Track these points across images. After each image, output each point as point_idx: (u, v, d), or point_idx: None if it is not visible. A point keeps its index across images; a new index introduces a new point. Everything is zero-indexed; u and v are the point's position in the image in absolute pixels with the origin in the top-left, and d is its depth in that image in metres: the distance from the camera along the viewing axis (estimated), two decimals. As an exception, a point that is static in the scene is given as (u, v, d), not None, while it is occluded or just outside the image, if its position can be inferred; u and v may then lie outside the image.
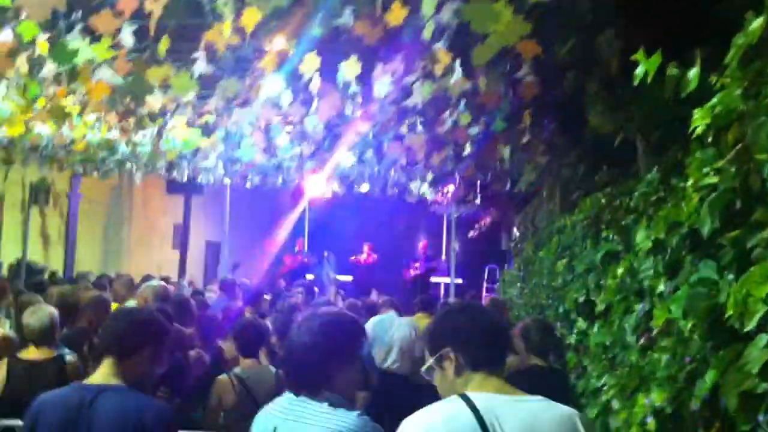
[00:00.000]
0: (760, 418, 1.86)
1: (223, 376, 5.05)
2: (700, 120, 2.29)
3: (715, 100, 2.20)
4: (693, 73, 2.06)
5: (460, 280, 17.70)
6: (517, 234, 14.23)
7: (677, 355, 2.51)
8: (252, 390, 4.87)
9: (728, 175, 2.14)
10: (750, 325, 1.90)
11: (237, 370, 5.07)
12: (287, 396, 2.72)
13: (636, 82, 2.31)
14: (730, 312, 2.00)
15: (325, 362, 2.67)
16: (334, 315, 2.94)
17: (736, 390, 1.91)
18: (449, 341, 2.39)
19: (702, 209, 2.24)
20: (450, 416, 2.20)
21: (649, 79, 2.20)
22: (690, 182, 2.39)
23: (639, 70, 2.25)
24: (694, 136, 2.35)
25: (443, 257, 19.10)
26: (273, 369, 5.10)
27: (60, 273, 13.65)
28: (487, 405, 2.19)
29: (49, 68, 5.61)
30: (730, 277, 2.15)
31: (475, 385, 2.30)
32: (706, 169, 2.26)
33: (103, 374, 2.96)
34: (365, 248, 19.03)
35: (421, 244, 19.16)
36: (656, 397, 2.53)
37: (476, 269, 17.97)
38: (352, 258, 19.18)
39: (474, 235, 16.56)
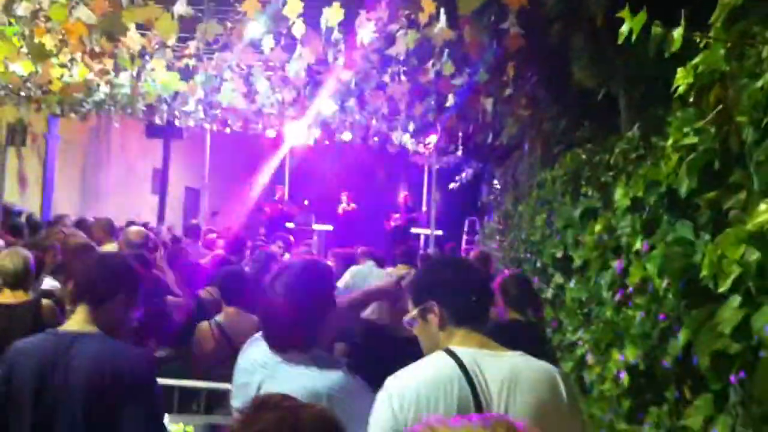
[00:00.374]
0: (732, 378, 1.87)
1: (203, 323, 5.07)
2: (682, 79, 2.27)
3: (698, 59, 2.18)
4: (677, 32, 2.03)
5: (440, 232, 17.74)
6: (498, 186, 14.25)
7: (651, 313, 2.53)
8: (231, 337, 4.88)
9: (708, 136, 2.13)
10: (724, 287, 1.91)
11: (218, 317, 5.09)
12: (268, 351, 2.64)
13: (620, 41, 2.27)
14: (704, 272, 2.00)
15: (304, 318, 2.60)
16: (306, 266, 2.80)
17: (708, 349, 1.93)
18: (435, 294, 2.38)
19: (681, 169, 2.23)
20: (437, 371, 2.20)
21: (633, 38, 2.17)
22: (670, 141, 2.38)
23: (624, 28, 2.21)
24: (676, 95, 2.33)
25: (423, 208, 19.11)
26: (255, 317, 5.10)
27: (37, 215, 13.53)
28: (472, 360, 2.19)
29: (25, 5, 5.49)
30: (706, 237, 2.16)
31: (459, 340, 2.30)
32: (686, 129, 2.24)
33: (77, 321, 2.92)
34: (343, 197, 18.97)
35: (402, 195, 19.15)
36: (630, 354, 2.55)
37: (456, 221, 18.00)
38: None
39: (455, 187, 16.54)
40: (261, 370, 2.62)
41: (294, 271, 2.70)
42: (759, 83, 1.82)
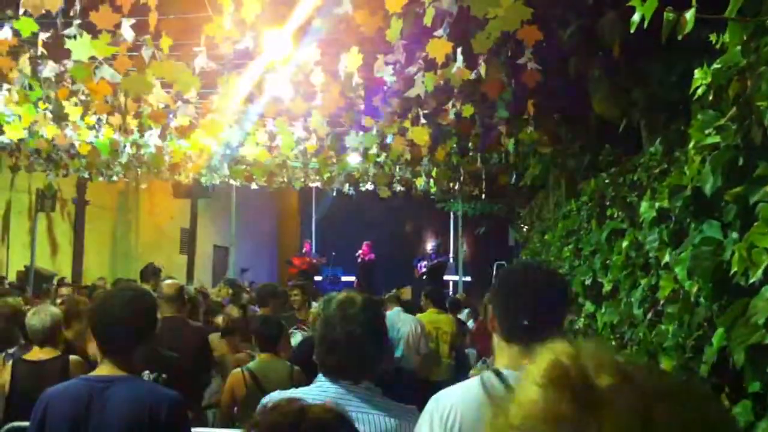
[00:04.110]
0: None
1: (236, 370, 5.09)
2: (700, 80, 2.26)
3: (716, 64, 2.17)
4: (689, 14, 2.02)
5: (468, 278, 17.66)
6: (525, 228, 14.18)
7: (684, 323, 2.48)
8: (262, 383, 4.89)
9: (729, 132, 2.10)
10: (755, 276, 1.86)
11: (251, 364, 5.12)
12: (324, 381, 2.61)
13: (632, 30, 2.25)
14: (735, 268, 1.96)
15: (375, 349, 2.62)
16: (368, 298, 2.80)
17: (743, 345, 1.88)
18: (493, 304, 2.30)
19: (704, 169, 2.20)
20: (479, 393, 2.12)
21: (645, 25, 2.16)
22: (691, 144, 2.35)
23: (635, 17, 2.20)
24: (695, 97, 2.32)
25: (451, 255, 19.07)
26: (288, 363, 5.13)
27: (68, 279, 13.67)
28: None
29: (51, 67, 5.62)
30: (734, 235, 2.11)
31: (507, 361, 2.22)
32: (708, 131, 2.22)
33: (108, 368, 2.94)
34: (364, 247, 19.02)
35: (429, 243, 19.17)
36: (665, 366, 2.49)
37: (485, 266, 17.92)
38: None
39: (481, 231, 16.51)
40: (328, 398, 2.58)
41: (360, 303, 2.69)
42: (778, 66, 1.81)
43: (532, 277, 2.30)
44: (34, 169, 11.53)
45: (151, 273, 8.97)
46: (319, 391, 2.59)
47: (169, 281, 6.46)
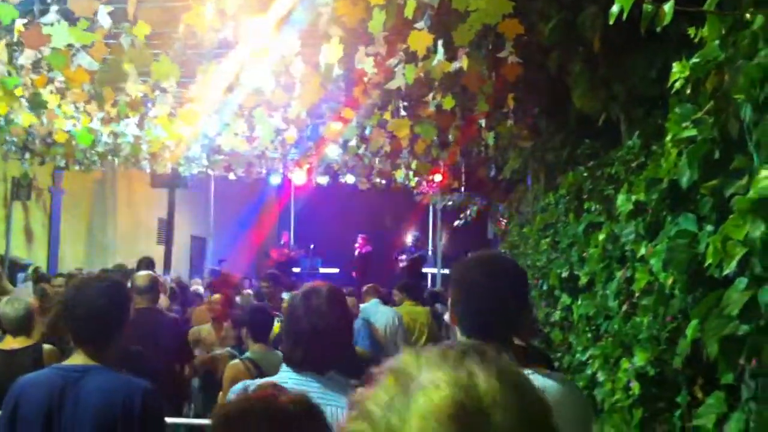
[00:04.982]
0: (743, 367, 1.84)
1: (236, 361, 5.08)
2: (678, 73, 2.27)
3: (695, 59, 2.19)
4: (668, 6, 2.03)
5: (446, 270, 17.66)
6: (504, 220, 14.24)
7: (659, 315, 2.50)
8: (265, 372, 4.89)
9: (706, 125, 2.12)
10: (729, 268, 1.88)
11: (249, 354, 5.12)
12: (290, 373, 2.59)
13: (611, 21, 2.25)
14: (709, 260, 1.98)
15: (346, 339, 2.64)
16: (332, 289, 2.76)
17: (716, 336, 1.89)
18: (452, 299, 2.28)
19: (681, 161, 2.22)
20: None
21: (624, 17, 2.16)
22: (668, 137, 2.37)
23: (614, 8, 2.20)
24: (673, 91, 2.34)
25: (430, 248, 19.09)
26: (279, 353, 5.14)
27: (43, 269, 13.54)
28: None
29: (27, 54, 5.55)
30: (709, 228, 2.14)
31: None
32: (685, 124, 2.24)
33: (81, 358, 2.91)
34: (359, 240, 18.93)
35: (409, 236, 19.14)
36: (639, 359, 2.51)
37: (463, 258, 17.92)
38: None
39: (459, 224, 16.53)
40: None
41: (328, 292, 2.68)
42: (755, 60, 1.82)
43: (491, 272, 2.24)
44: (9, 158, 11.41)
45: (145, 266, 8.90)
46: (278, 380, 2.55)
47: (142, 272, 6.42)
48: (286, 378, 2.57)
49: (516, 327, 2.26)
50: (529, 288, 2.50)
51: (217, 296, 7.70)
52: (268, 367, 4.92)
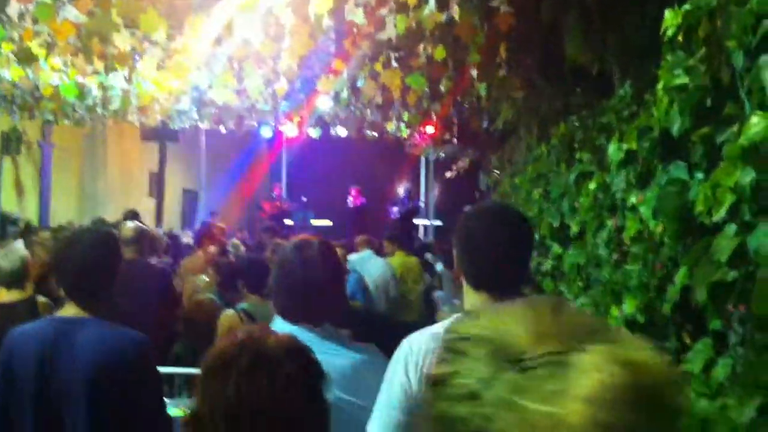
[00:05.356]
0: (732, 313, 1.87)
1: (229, 311, 5.10)
2: (670, 21, 2.26)
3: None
4: None
5: (439, 222, 17.73)
6: (496, 173, 14.23)
7: (648, 263, 2.52)
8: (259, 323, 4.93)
9: (698, 73, 2.11)
10: (719, 215, 1.88)
11: (244, 305, 5.14)
12: (284, 324, 2.56)
13: None
14: (699, 207, 1.98)
15: (338, 291, 2.63)
16: (323, 242, 2.73)
17: (705, 282, 1.91)
18: (457, 249, 2.23)
19: (672, 109, 2.22)
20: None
21: None
22: (660, 85, 2.36)
23: None
24: (665, 39, 2.33)
25: (422, 199, 19.11)
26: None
27: (35, 223, 13.53)
28: None
29: (14, 5, 5.47)
30: (700, 175, 2.14)
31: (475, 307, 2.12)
32: (677, 71, 2.23)
33: (73, 309, 2.91)
34: (353, 192, 18.89)
35: (401, 187, 19.13)
36: (628, 306, 2.54)
37: (455, 210, 17.94)
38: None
39: (451, 176, 16.51)
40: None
41: (318, 246, 2.66)
42: (747, 6, 1.80)
43: (497, 222, 2.18)
44: (-2, 113, 11.31)
45: (131, 218, 8.87)
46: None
47: (129, 224, 6.39)
48: (281, 329, 2.57)
49: (526, 277, 2.21)
50: (534, 238, 2.46)
51: (213, 247, 7.76)
52: (262, 319, 4.95)
